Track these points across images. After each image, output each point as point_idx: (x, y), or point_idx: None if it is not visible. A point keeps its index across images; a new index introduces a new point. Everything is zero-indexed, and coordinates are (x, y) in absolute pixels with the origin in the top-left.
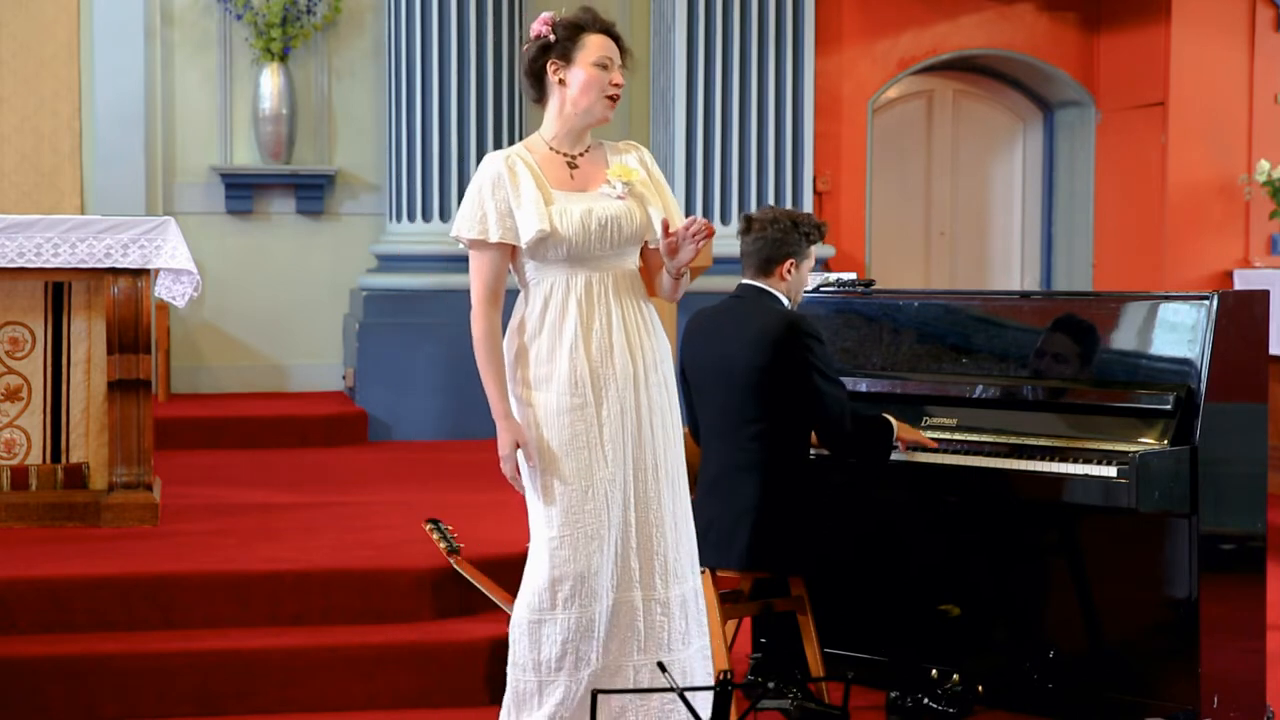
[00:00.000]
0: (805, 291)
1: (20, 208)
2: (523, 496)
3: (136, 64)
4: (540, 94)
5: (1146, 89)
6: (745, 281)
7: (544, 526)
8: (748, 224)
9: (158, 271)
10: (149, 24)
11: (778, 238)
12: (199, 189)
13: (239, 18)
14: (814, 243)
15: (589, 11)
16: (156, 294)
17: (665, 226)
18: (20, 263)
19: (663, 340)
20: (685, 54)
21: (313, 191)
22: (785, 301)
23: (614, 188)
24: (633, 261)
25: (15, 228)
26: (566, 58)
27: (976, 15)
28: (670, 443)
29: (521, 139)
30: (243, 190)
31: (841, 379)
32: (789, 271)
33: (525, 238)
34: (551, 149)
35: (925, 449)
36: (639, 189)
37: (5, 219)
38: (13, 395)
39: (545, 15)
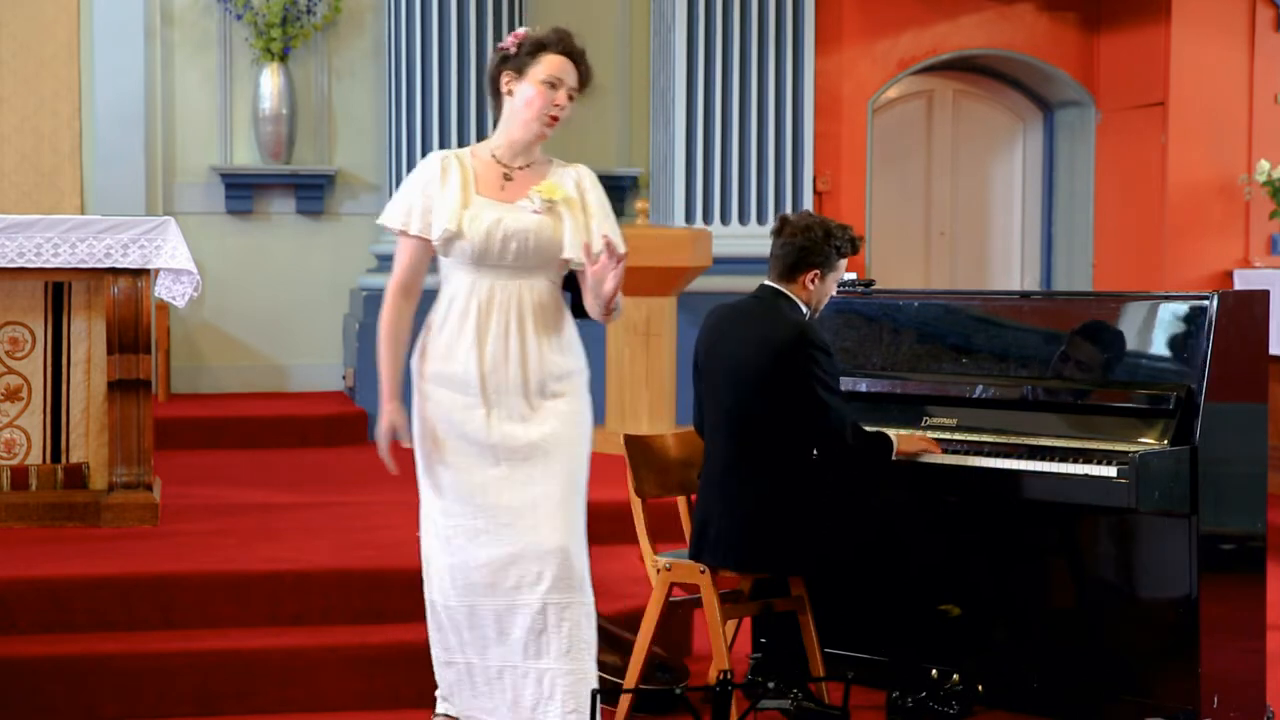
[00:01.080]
0: None
1: (20, 208)
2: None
3: (136, 64)
4: (497, 104)
5: (1146, 89)
6: (766, 283)
7: (439, 516)
8: (781, 226)
9: (158, 271)
10: (149, 24)
11: (806, 246)
12: (199, 189)
13: (239, 18)
14: (844, 256)
15: (559, 32)
16: (156, 294)
17: (587, 249)
18: (20, 263)
19: (573, 358)
20: (685, 54)
21: (313, 191)
22: (803, 308)
23: (532, 202)
24: (548, 277)
25: (15, 228)
26: (520, 71)
27: (976, 15)
28: (571, 455)
29: None
30: (243, 190)
31: (842, 391)
32: (812, 282)
33: (434, 235)
34: (494, 157)
35: (931, 454)
36: (560, 209)
37: (5, 219)
38: (13, 395)
39: (519, 30)
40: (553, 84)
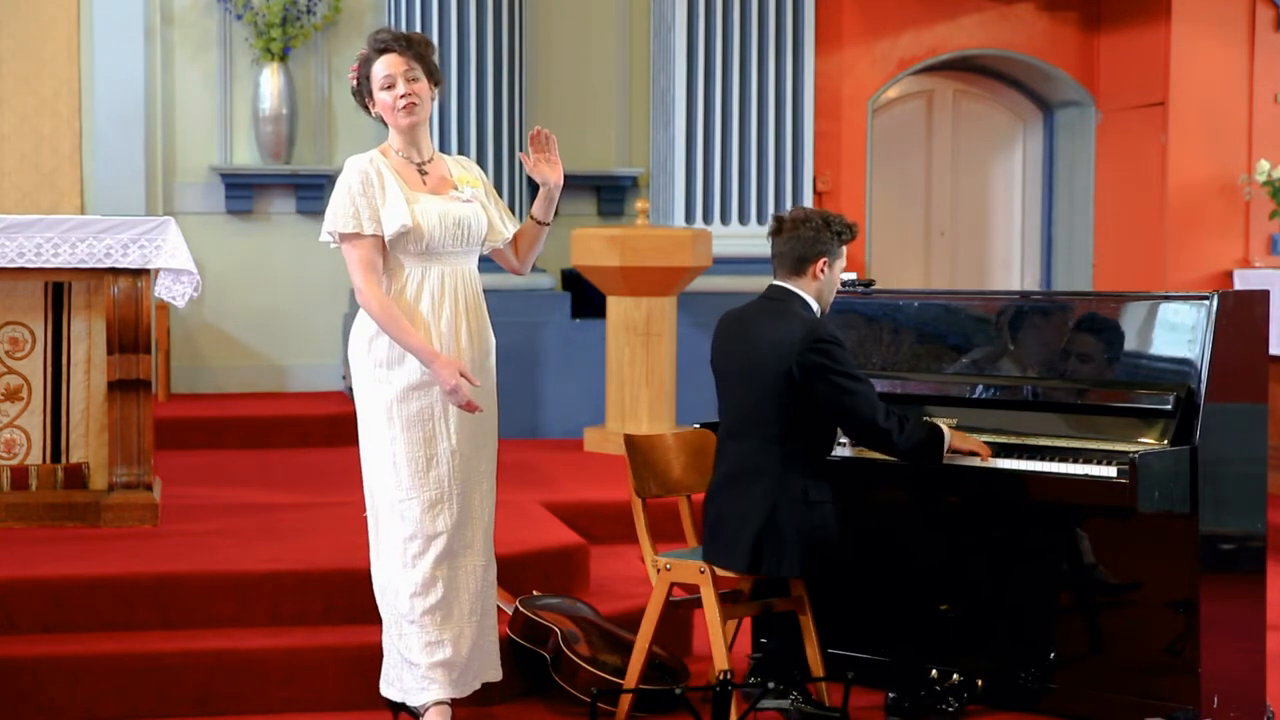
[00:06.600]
0: None
1: (20, 208)
2: (526, 498)
3: (136, 64)
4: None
5: (1146, 89)
6: (776, 283)
7: (393, 490)
8: (779, 225)
9: (158, 271)
10: (149, 24)
11: (810, 236)
12: (199, 189)
13: (239, 18)
14: (845, 242)
15: (376, 35)
16: (156, 294)
17: (538, 134)
18: (20, 263)
19: (491, 336)
20: (685, 54)
21: (313, 191)
22: (814, 305)
23: (462, 193)
24: (473, 261)
25: (15, 228)
26: (370, 93)
27: (976, 15)
28: (493, 425)
29: (522, 138)
30: (243, 190)
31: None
32: (822, 270)
33: (391, 230)
34: (402, 157)
35: (979, 456)
36: (482, 198)
37: (5, 219)
38: (13, 395)
39: (355, 61)
40: (388, 86)
